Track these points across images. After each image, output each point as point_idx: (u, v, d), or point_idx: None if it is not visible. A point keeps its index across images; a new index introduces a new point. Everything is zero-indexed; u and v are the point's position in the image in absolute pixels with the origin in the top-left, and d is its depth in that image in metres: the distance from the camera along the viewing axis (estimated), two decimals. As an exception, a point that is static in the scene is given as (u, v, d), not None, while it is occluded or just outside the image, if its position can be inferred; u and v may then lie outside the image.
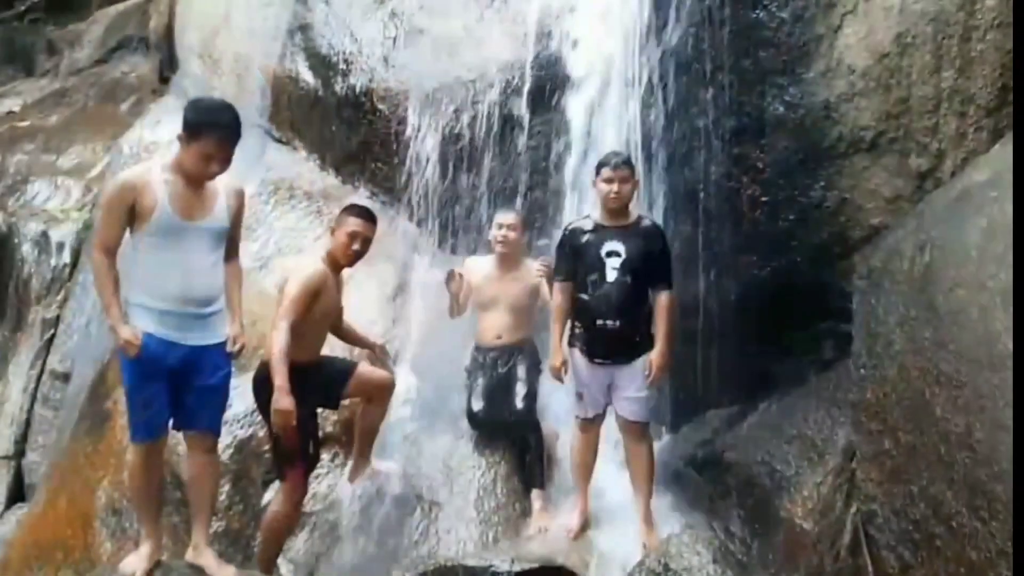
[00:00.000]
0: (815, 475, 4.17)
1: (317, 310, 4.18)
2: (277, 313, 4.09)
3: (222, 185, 3.78)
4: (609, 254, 4.33)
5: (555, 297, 4.48)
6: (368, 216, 4.34)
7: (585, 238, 4.39)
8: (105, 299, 3.66)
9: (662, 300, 4.37)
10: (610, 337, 4.34)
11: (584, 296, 4.38)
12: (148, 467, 3.82)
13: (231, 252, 3.91)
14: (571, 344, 4.48)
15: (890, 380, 3.60)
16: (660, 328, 4.35)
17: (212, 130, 3.61)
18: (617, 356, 4.38)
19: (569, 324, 4.49)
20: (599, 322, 4.34)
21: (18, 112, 8.60)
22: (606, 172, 4.35)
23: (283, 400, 3.96)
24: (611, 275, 4.31)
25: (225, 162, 3.68)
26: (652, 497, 4.44)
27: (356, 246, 4.26)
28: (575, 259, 4.40)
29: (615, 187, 4.32)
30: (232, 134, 3.67)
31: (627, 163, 4.42)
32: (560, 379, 4.48)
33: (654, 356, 4.34)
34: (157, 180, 3.64)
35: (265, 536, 4.31)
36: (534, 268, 4.89)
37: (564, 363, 4.43)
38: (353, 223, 4.26)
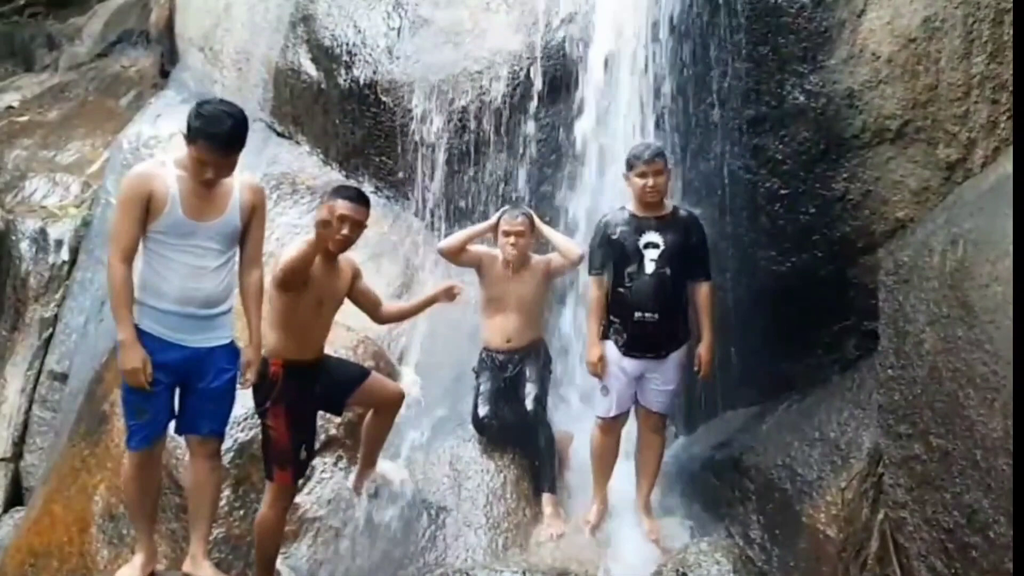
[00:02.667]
0: (839, 479, 4.07)
1: (305, 299, 3.90)
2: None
3: (236, 182, 3.66)
4: (647, 245, 4.25)
5: (591, 290, 4.37)
6: (359, 199, 4.00)
7: (621, 229, 4.29)
8: (121, 316, 3.50)
9: (703, 291, 4.33)
10: (649, 331, 4.25)
11: (621, 289, 4.28)
12: (144, 475, 3.70)
13: (253, 258, 3.73)
14: (604, 338, 4.35)
15: (920, 381, 3.49)
16: (704, 320, 4.32)
17: (207, 139, 3.50)
18: (654, 351, 4.27)
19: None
20: (637, 315, 4.24)
21: (17, 107, 8.51)
22: (640, 167, 4.24)
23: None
24: (650, 267, 4.23)
25: (221, 168, 3.56)
26: (654, 488, 4.46)
27: (345, 230, 3.90)
28: (611, 251, 4.29)
29: (650, 181, 4.22)
30: (227, 145, 3.53)
31: (660, 154, 4.31)
32: (598, 375, 4.35)
33: (702, 349, 4.32)
34: (170, 175, 3.55)
35: (256, 542, 4.15)
36: (540, 261, 4.74)
37: (602, 358, 4.30)
38: (342, 206, 3.91)
